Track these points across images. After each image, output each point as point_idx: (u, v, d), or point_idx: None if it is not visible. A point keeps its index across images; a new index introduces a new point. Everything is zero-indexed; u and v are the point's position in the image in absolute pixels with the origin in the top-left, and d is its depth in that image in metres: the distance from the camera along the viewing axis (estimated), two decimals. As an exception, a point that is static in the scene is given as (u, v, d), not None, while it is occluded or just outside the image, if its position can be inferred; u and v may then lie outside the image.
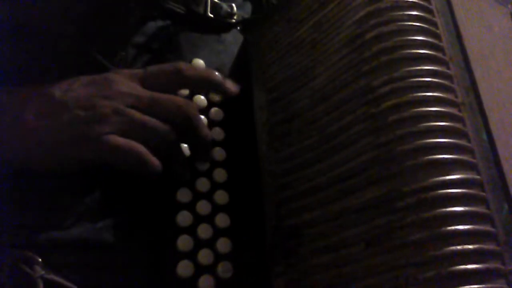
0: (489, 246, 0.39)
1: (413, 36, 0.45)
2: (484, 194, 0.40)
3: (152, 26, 0.58)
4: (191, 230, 0.50)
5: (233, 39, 0.63)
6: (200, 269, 0.49)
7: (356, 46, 0.47)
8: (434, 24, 0.46)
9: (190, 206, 0.51)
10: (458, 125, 0.42)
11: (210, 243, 0.50)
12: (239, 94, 0.57)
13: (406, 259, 0.39)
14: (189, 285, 0.48)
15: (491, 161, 0.42)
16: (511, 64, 0.52)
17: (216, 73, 0.55)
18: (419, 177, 0.40)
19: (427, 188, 0.40)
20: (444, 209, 0.39)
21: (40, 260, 0.44)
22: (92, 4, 0.55)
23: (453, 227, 0.38)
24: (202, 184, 0.53)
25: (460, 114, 0.43)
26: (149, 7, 0.59)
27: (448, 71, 0.45)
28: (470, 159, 0.41)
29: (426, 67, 0.44)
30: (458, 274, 0.37)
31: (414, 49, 0.45)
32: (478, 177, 0.41)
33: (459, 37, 0.47)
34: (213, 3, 0.62)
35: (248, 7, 0.67)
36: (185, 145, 0.53)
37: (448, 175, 0.40)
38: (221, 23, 0.62)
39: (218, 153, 0.55)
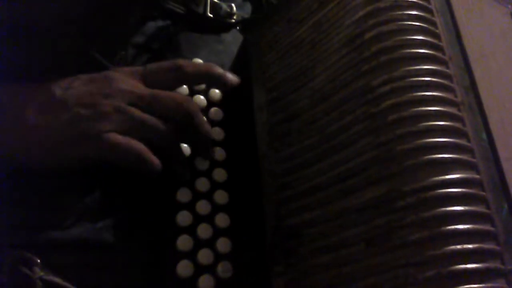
0: (489, 246, 0.38)
1: (413, 35, 0.45)
2: (484, 193, 0.40)
3: (152, 26, 0.58)
4: (191, 230, 0.50)
5: (233, 39, 0.63)
6: (200, 269, 0.49)
7: (355, 46, 0.47)
8: (434, 24, 0.46)
9: (190, 206, 0.51)
10: (457, 125, 0.42)
11: (210, 243, 0.50)
12: (239, 92, 0.57)
13: (406, 258, 0.38)
14: (189, 285, 0.48)
15: (491, 161, 0.42)
16: (511, 64, 0.52)
17: (216, 66, 0.55)
18: (419, 177, 0.40)
19: (427, 187, 0.40)
20: (444, 209, 0.39)
21: (39, 261, 0.44)
22: (92, 4, 0.55)
23: (453, 227, 0.38)
24: (202, 184, 0.53)
25: (460, 114, 0.43)
26: (149, 7, 0.59)
27: (447, 70, 0.45)
28: (470, 159, 0.41)
29: (425, 66, 0.44)
30: (458, 273, 0.37)
31: (413, 48, 0.45)
32: (478, 176, 0.41)
33: (458, 36, 0.47)
34: (212, 3, 0.62)
35: (248, 7, 0.67)
36: (185, 145, 0.53)
37: (448, 174, 0.40)
38: (221, 23, 0.62)
39: (218, 153, 0.55)
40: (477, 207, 0.40)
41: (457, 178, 0.40)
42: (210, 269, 0.49)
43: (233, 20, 0.63)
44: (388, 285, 0.39)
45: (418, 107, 0.42)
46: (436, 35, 0.46)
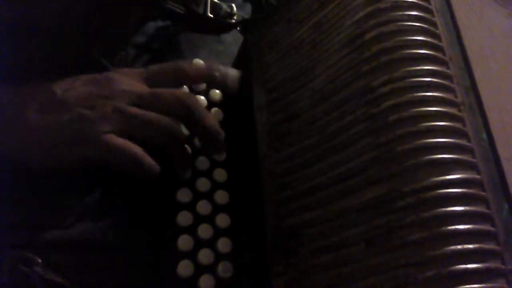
0: (489, 246, 0.38)
1: (413, 36, 0.45)
2: (484, 194, 0.40)
3: (152, 26, 0.58)
4: (191, 230, 0.50)
5: (233, 40, 0.63)
6: (200, 269, 0.49)
7: (356, 46, 0.47)
8: (434, 24, 0.46)
9: (190, 206, 0.51)
10: (458, 125, 0.42)
11: (210, 243, 0.50)
12: (240, 92, 0.57)
13: (406, 258, 0.38)
14: (189, 285, 0.48)
15: (491, 161, 0.42)
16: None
17: (218, 67, 0.55)
18: (419, 177, 0.40)
19: (427, 188, 0.39)
20: (444, 209, 0.39)
21: (39, 260, 0.44)
22: (92, 4, 0.55)
23: (453, 227, 0.38)
24: (203, 184, 0.53)
25: (460, 114, 0.43)
26: (149, 7, 0.59)
27: (448, 71, 0.45)
28: (470, 159, 0.41)
29: (426, 67, 0.44)
30: (458, 273, 0.37)
31: (414, 49, 0.45)
32: (478, 177, 0.41)
33: (459, 37, 0.47)
34: (213, 4, 0.62)
35: (248, 7, 0.67)
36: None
37: (448, 174, 0.40)
38: (221, 24, 0.62)
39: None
40: (477, 207, 0.40)
41: (457, 178, 0.40)
42: (210, 269, 0.49)
43: (233, 21, 0.63)
44: (388, 285, 0.39)
45: (418, 107, 0.42)
46: (436, 36, 0.46)
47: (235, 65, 0.61)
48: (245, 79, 0.58)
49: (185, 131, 0.52)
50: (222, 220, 0.52)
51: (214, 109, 0.57)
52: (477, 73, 0.45)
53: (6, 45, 0.51)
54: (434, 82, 0.43)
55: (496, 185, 0.41)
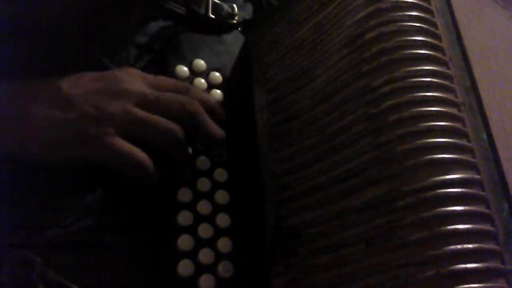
0: (489, 246, 0.38)
1: (413, 36, 0.45)
2: (484, 193, 0.40)
3: (154, 26, 0.58)
4: (191, 230, 0.50)
5: (234, 40, 0.63)
6: (200, 269, 0.49)
7: (356, 47, 0.47)
8: (434, 25, 0.47)
9: (190, 206, 0.51)
10: (458, 125, 0.42)
11: (210, 243, 0.50)
12: (240, 92, 0.57)
13: (406, 258, 0.38)
14: (190, 285, 0.48)
15: (491, 161, 0.42)
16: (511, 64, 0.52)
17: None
18: (419, 177, 0.40)
19: (427, 187, 0.40)
20: (444, 209, 0.39)
21: (39, 260, 0.44)
22: (92, 4, 0.55)
23: (453, 227, 0.38)
24: (203, 184, 0.53)
25: (460, 114, 0.43)
26: (149, 7, 0.59)
27: (448, 71, 0.45)
28: (470, 159, 0.41)
29: (426, 67, 0.44)
30: (457, 273, 0.37)
31: (414, 49, 0.45)
32: (478, 176, 0.41)
33: (459, 37, 0.47)
34: (214, 4, 0.62)
35: (249, 8, 0.67)
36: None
37: (448, 174, 0.40)
38: (222, 24, 0.62)
39: (219, 153, 0.55)
40: (477, 207, 0.40)
41: (457, 178, 0.40)
42: (210, 268, 0.49)
43: (235, 21, 0.63)
44: (388, 285, 0.39)
45: (419, 107, 0.42)
46: (436, 36, 0.46)
47: (236, 66, 0.61)
48: (246, 79, 0.58)
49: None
50: (223, 220, 0.52)
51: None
52: (477, 73, 0.45)
53: (6, 45, 0.51)
54: (434, 82, 0.44)
55: (496, 185, 0.41)
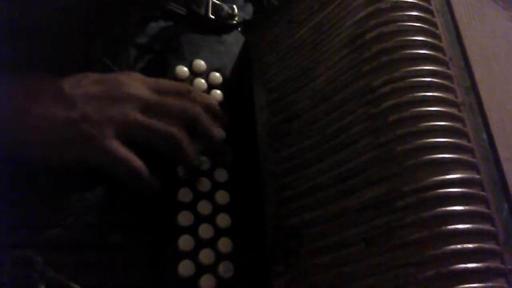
0: (489, 245, 0.38)
1: (413, 36, 0.45)
2: (484, 193, 0.40)
3: (154, 26, 0.58)
4: (192, 230, 0.50)
5: (234, 40, 0.63)
6: (201, 269, 0.49)
7: (356, 47, 0.47)
8: (434, 25, 0.47)
9: (191, 206, 0.52)
10: (458, 125, 0.42)
11: (211, 243, 0.51)
12: (240, 92, 0.57)
13: (406, 258, 0.39)
14: (190, 285, 0.48)
15: (491, 161, 0.42)
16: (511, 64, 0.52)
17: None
18: (419, 177, 0.40)
19: (427, 187, 0.40)
20: (444, 209, 0.39)
21: (40, 259, 0.44)
22: (92, 4, 0.55)
23: (453, 227, 0.38)
24: (203, 184, 0.53)
25: (460, 114, 0.43)
26: (149, 7, 0.59)
27: (448, 71, 0.45)
28: (470, 159, 0.41)
29: (426, 67, 0.44)
30: (458, 273, 0.37)
31: (414, 49, 0.45)
32: (478, 176, 0.41)
33: (459, 37, 0.47)
34: (214, 4, 0.62)
35: (249, 8, 0.67)
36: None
37: (448, 174, 0.40)
38: (222, 24, 0.62)
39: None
40: (477, 207, 0.40)
41: (457, 178, 0.40)
42: (211, 269, 0.49)
43: (235, 21, 0.63)
44: (388, 285, 0.39)
45: (419, 107, 0.42)
46: (436, 36, 0.46)
47: (236, 66, 0.61)
48: (246, 79, 0.58)
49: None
50: (223, 220, 0.52)
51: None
52: (477, 73, 0.45)
53: (6, 45, 0.51)
54: (434, 82, 0.44)
55: (496, 185, 0.41)
